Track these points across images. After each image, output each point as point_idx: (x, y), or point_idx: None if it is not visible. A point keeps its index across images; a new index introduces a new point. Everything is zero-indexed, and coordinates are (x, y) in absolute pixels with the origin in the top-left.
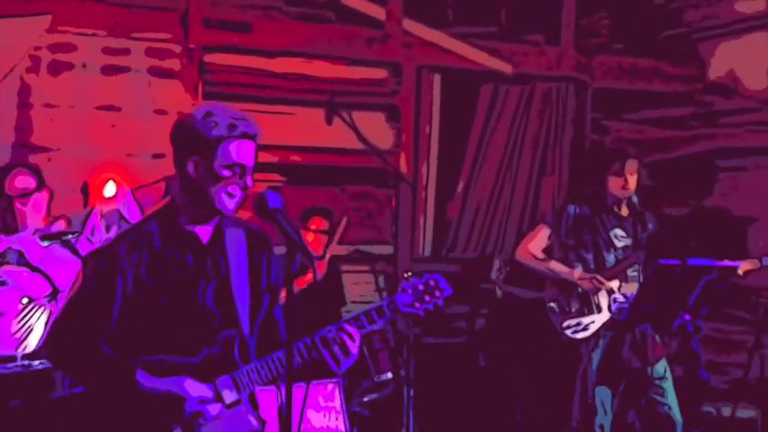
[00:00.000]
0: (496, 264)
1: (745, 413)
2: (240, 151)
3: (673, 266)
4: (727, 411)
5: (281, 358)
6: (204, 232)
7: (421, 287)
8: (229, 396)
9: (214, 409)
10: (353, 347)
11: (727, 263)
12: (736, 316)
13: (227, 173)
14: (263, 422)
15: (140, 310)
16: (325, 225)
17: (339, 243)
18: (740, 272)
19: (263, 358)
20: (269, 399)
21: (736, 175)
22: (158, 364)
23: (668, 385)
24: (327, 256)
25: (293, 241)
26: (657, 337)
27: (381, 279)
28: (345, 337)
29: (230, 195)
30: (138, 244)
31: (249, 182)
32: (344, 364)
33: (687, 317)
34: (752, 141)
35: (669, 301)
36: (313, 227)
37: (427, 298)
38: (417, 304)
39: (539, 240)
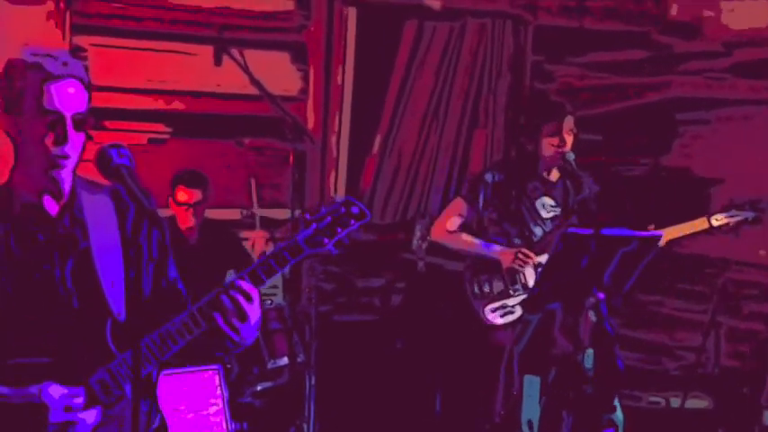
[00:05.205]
0: (418, 231)
1: (697, 404)
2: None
3: (584, 236)
4: (676, 402)
5: (165, 336)
6: (50, 203)
7: (329, 218)
8: (108, 394)
9: (89, 415)
10: (252, 309)
11: (647, 232)
12: (691, 291)
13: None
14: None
15: None
16: (196, 196)
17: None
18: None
19: (141, 341)
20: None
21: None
22: (13, 369)
23: None
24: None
25: (141, 205)
26: (592, 316)
27: None
28: (240, 297)
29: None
30: None
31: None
32: (244, 332)
33: (601, 295)
34: (715, 91)
35: (580, 276)
36: (180, 198)
37: (339, 229)
38: (326, 240)
39: (456, 217)
